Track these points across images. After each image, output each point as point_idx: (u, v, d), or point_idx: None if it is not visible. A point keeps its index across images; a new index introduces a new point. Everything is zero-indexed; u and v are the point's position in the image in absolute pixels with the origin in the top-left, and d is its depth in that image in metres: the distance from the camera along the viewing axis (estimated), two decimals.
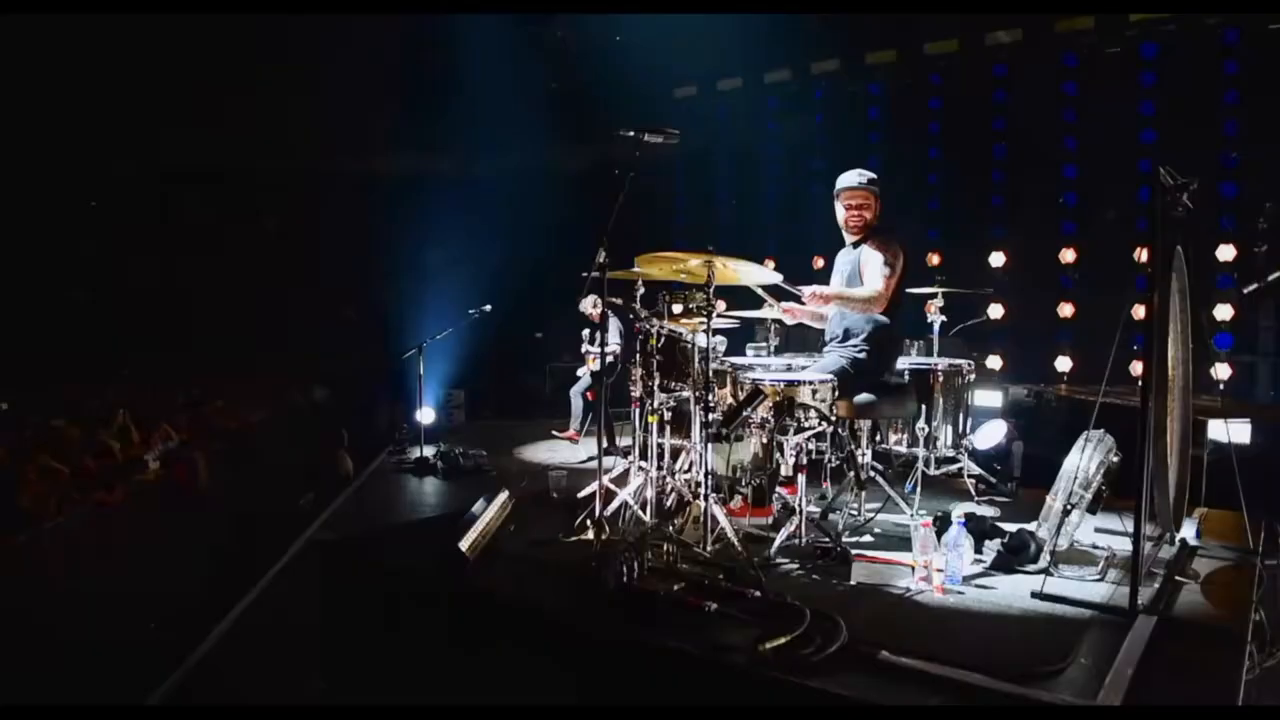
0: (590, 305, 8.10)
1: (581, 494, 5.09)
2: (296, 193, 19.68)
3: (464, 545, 4.11)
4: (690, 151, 11.32)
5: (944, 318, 5.94)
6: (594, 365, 8.01)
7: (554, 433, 8.22)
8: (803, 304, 4.80)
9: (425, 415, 8.21)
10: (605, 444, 7.56)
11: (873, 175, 4.85)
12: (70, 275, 18.55)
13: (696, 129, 11.58)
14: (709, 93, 11.52)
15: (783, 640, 3.20)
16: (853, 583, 3.95)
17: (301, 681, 4.40)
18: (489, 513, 4.65)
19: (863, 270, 4.76)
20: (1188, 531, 4.54)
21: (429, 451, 7.64)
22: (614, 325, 8.02)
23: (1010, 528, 4.44)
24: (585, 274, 4.31)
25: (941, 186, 9.81)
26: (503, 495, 4.99)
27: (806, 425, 4.36)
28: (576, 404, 8.13)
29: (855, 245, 4.90)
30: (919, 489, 5.02)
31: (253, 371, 15.01)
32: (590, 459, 7.68)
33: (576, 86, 13.40)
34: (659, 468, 4.76)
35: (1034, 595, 3.76)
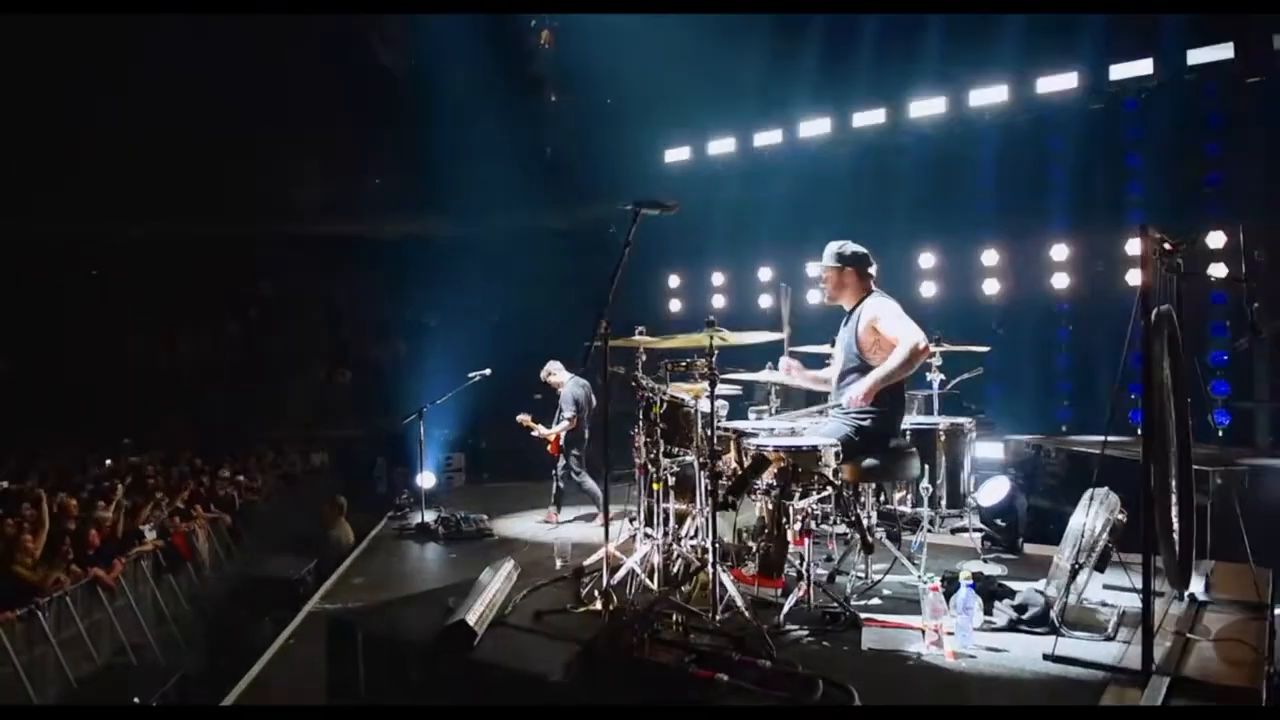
0: (545, 374, 8.09)
1: (587, 562, 5.06)
2: (294, 258, 19.89)
3: (471, 619, 4.07)
4: (682, 212, 11.51)
5: (942, 375, 5.97)
6: (541, 431, 7.94)
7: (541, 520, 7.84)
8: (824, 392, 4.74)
9: (426, 479, 8.20)
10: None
11: (839, 250, 4.86)
12: (71, 346, 18.63)
13: (689, 190, 11.80)
14: (700, 155, 11.73)
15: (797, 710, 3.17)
16: (864, 649, 3.93)
17: None
18: (494, 583, 4.62)
19: (878, 329, 4.70)
20: (1196, 587, 4.53)
21: (430, 517, 7.61)
22: (569, 394, 7.91)
23: (1018, 586, 4.42)
24: (588, 344, 4.34)
25: (933, 243, 9.95)
26: (508, 565, 4.97)
27: (812, 490, 4.37)
28: (561, 485, 7.84)
29: (849, 312, 4.90)
30: (925, 548, 5.01)
31: (253, 440, 14.95)
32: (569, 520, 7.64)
33: (572, 150, 13.66)
34: (665, 534, 4.75)
35: (1046, 657, 3.74)
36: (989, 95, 9.59)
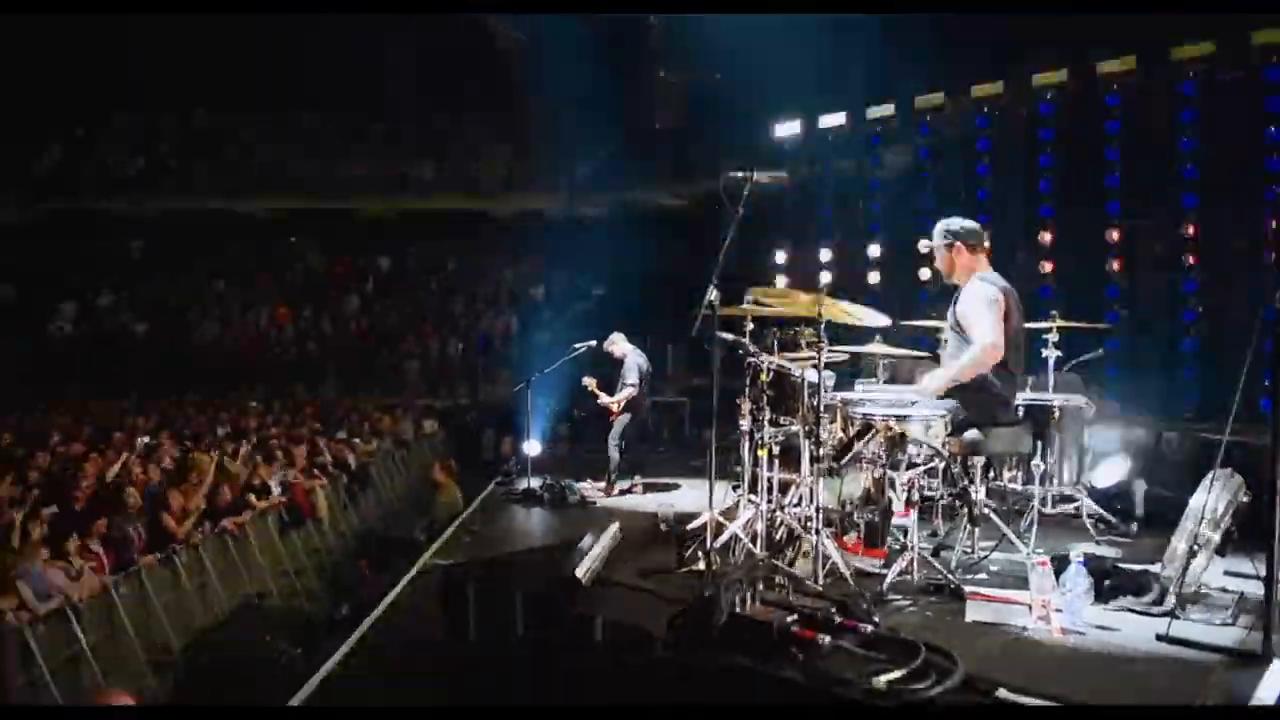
0: (608, 344, 8.14)
1: (691, 526, 5.15)
2: (411, 235, 20.67)
3: (579, 572, 4.23)
4: (793, 187, 11.42)
5: (1059, 352, 5.82)
6: (605, 399, 8.00)
7: (588, 484, 7.76)
8: None
9: (532, 447, 8.42)
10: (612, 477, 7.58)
11: (947, 226, 4.77)
12: (201, 311, 19.84)
13: (798, 164, 11.69)
14: (812, 129, 11.54)
15: (898, 674, 3.19)
16: (968, 620, 3.90)
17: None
18: (600, 544, 4.77)
19: (961, 320, 4.65)
20: None
21: (535, 483, 7.81)
22: (633, 363, 7.93)
23: (1133, 569, 4.31)
24: (696, 312, 4.41)
25: (1054, 219, 9.60)
26: (613, 527, 5.11)
27: (918, 461, 4.35)
28: (614, 455, 7.79)
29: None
30: (1036, 527, 4.91)
31: (369, 407, 15.59)
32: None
33: (680, 125, 13.71)
34: (769, 501, 4.80)
35: (1159, 638, 3.65)
36: (1116, 64, 9.16)
